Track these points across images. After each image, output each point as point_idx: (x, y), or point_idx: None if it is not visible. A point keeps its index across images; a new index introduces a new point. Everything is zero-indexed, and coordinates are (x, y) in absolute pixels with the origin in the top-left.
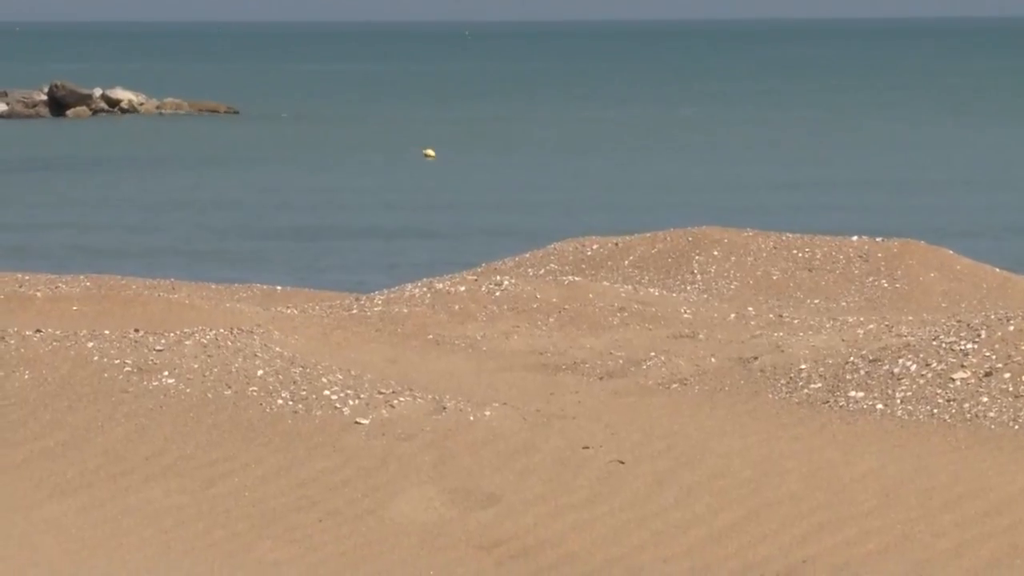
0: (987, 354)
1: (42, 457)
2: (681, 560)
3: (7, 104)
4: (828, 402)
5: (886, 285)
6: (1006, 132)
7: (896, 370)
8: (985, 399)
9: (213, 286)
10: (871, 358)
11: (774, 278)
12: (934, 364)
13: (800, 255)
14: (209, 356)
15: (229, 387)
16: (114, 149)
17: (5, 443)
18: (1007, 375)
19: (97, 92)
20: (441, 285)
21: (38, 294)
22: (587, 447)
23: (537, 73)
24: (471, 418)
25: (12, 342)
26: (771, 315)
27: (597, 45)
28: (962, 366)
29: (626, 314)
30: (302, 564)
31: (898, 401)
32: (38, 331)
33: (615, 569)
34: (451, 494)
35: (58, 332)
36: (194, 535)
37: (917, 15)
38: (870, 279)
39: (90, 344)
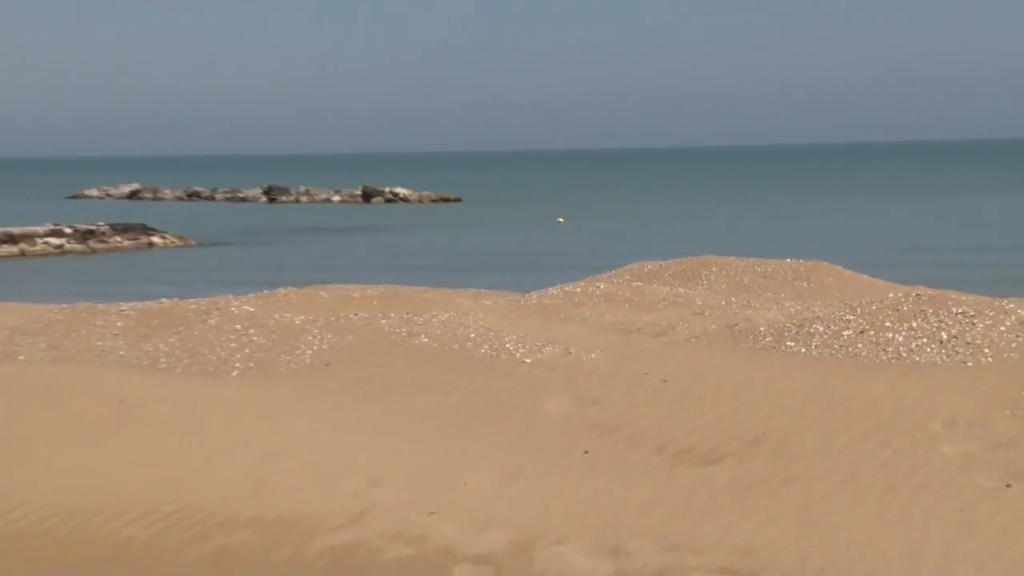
0: (860, 322)
1: (358, 381)
2: (697, 433)
3: (340, 196)
4: (775, 348)
5: (806, 285)
6: (890, 206)
7: (811, 330)
8: (860, 345)
9: (447, 290)
10: (798, 324)
11: (745, 282)
12: (832, 327)
13: (759, 269)
14: (445, 326)
15: (456, 343)
16: (392, 220)
17: (338, 375)
18: (872, 333)
19: (387, 189)
20: (567, 288)
21: (356, 295)
22: (647, 373)
23: (629, 176)
24: (584, 358)
25: (343, 321)
26: (744, 302)
27: (663, 162)
28: (847, 328)
29: (666, 302)
30: (495, 437)
31: (813, 347)
32: (355, 314)
33: (663, 438)
34: (573, 399)
35: (365, 315)
36: (438, 422)
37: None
38: (797, 282)
39: (383, 321)
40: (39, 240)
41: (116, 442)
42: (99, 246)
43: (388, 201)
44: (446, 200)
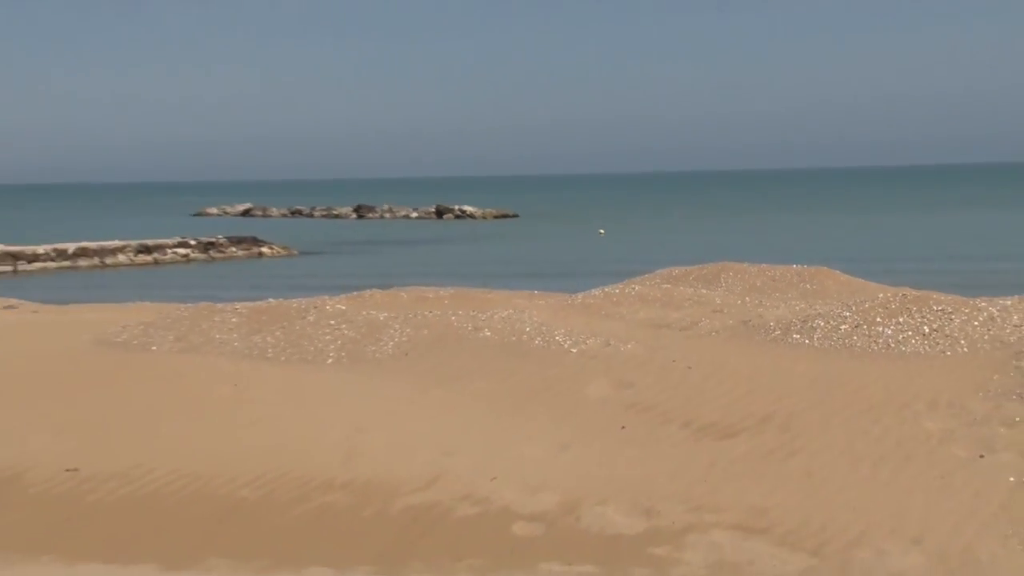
0: (855, 318)
1: (432, 368)
2: (717, 411)
3: (417, 213)
4: (783, 340)
5: (809, 287)
6: (881, 221)
7: (814, 325)
8: (855, 337)
9: (506, 291)
10: (802, 320)
11: (758, 284)
12: (831, 322)
13: (769, 274)
14: (505, 322)
15: (514, 336)
16: (460, 233)
17: (416, 362)
18: (865, 327)
19: (456, 207)
20: (607, 289)
21: (430, 295)
22: (674, 361)
23: (662, 196)
24: (621, 348)
25: (419, 317)
26: (756, 301)
27: (693, 183)
28: (844, 323)
29: (691, 302)
30: (548, 415)
31: (815, 339)
32: (429, 312)
33: (688, 416)
34: (612, 383)
35: (438, 312)
36: (499, 402)
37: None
38: (802, 284)
39: (453, 317)
40: (169, 250)
41: (231, 418)
42: (218, 255)
43: (457, 217)
44: (505, 216)
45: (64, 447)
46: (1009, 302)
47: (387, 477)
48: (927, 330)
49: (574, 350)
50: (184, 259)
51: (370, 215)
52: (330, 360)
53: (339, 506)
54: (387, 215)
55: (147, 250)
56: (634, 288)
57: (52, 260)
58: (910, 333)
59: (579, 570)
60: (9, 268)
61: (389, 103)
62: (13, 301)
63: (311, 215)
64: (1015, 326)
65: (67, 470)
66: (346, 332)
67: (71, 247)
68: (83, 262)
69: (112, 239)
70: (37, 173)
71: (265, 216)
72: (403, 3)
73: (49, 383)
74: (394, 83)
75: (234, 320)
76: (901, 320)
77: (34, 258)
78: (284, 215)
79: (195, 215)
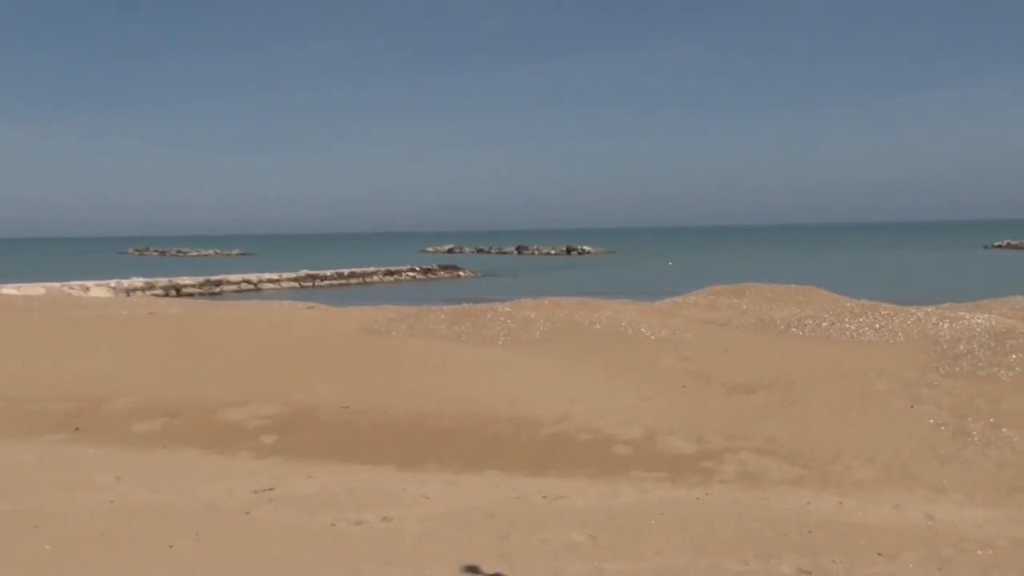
0: (832, 318)
1: (562, 348)
2: (744, 376)
3: (554, 250)
4: (786, 332)
5: (802, 298)
6: (855, 256)
7: (805, 322)
8: (831, 331)
9: (608, 300)
10: (798, 319)
11: (769, 296)
12: (816, 321)
13: (777, 290)
14: (608, 319)
15: (614, 328)
16: (580, 263)
17: (552, 345)
18: (838, 324)
19: (579, 246)
20: (674, 299)
21: (562, 302)
22: (716, 344)
23: (719, 241)
24: (683, 336)
25: (555, 316)
26: (768, 307)
27: (742, 235)
28: (824, 321)
29: (727, 307)
30: (636, 378)
31: (806, 332)
32: (561, 313)
33: (725, 379)
34: (677, 358)
35: (567, 312)
36: (604, 370)
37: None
38: (797, 296)
39: (576, 316)
40: (403, 273)
41: (439, 376)
42: (432, 276)
43: (579, 253)
44: (609, 252)
45: (340, 392)
46: (930, 309)
47: (534, 415)
48: (878, 326)
49: (652, 337)
50: (412, 279)
51: (525, 252)
52: (500, 342)
53: (505, 433)
54: (536, 252)
55: (390, 273)
56: (691, 298)
57: (334, 280)
58: (867, 328)
59: (655, 475)
60: (310, 284)
61: (541, 177)
62: (313, 304)
63: (489, 251)
64: (934, 324)
65: (342, 407)
66: (510, 325)
67: (345, 271)
68: (352, 280)
69: (370, 266)
70: (325, 223)
71: (461, 252)
72: (547, 114)
73: (331, 353)
74: (540, 165)
75: (442, 317)
76: (861, 320)
77: (324, 278)
78: (473, 252)
79: (420, 251)
